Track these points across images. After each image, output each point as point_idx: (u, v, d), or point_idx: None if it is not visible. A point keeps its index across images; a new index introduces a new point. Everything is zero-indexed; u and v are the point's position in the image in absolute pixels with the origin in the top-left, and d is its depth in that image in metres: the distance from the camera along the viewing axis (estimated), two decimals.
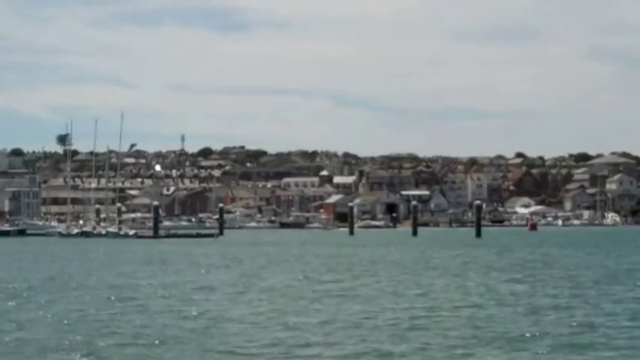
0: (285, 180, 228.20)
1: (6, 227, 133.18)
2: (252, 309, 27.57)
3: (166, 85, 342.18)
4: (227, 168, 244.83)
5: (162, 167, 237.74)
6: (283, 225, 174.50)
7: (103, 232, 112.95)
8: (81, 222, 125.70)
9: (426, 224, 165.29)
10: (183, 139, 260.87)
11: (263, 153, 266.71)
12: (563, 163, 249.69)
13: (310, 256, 63.74)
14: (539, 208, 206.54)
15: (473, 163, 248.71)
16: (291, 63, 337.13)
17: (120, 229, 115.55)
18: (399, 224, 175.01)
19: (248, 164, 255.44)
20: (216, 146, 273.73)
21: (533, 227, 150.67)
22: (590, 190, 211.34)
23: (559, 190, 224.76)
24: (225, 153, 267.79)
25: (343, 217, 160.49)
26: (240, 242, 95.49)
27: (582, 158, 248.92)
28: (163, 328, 23.44)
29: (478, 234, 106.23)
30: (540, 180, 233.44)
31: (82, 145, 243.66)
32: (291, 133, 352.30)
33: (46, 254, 70.04)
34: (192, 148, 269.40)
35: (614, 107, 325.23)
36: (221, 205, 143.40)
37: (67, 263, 56.32)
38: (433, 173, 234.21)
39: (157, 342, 21.00)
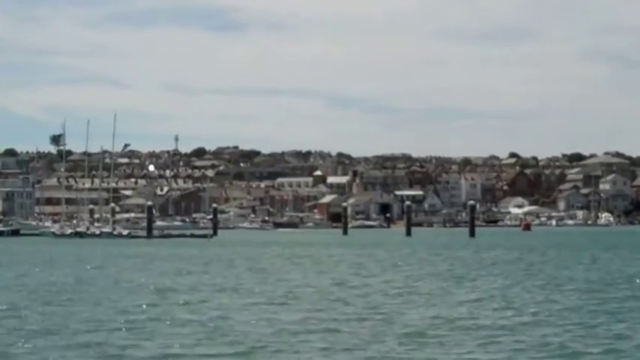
0: (279, 180, 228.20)
1: None
2: None
3: (160, 86, 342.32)
4: (221, 168, 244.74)
5: (155, 167, 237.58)
6: (277, 225, 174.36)
7: (97, 232, 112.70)
8: (74, 222, 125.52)
9: (419, 224, 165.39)
10: (176, 139, 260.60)
11: (257, 153, 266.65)
12: (557, 164, 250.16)
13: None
14: (532, 208, 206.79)
15: (467, 164, 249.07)
16: (285, 63, 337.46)
17: (114, 229, 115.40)
18: (392, 224, 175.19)
19: (242, 164, 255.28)
20: (210, 146, 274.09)
21: (527, 227, 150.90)
22: (584, 191, 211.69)
23: (553, 190, 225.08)
24: (218, 153, 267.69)
25: (337, 217, 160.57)
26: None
27: (576, 158, 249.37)
28: None
29: (472, 234, 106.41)
30: (534, 180, 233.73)
31: (75, 145, 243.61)
32: (285, 133, 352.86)
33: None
34: (185, 148, 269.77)
35: (608, 107, 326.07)
36: (215, 205, 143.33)
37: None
38: (427, 173, 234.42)
39: None
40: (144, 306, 28.68)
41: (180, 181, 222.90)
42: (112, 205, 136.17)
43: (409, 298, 31.88)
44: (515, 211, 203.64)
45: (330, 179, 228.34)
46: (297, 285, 37.54)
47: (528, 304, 29.16)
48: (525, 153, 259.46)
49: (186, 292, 33.96)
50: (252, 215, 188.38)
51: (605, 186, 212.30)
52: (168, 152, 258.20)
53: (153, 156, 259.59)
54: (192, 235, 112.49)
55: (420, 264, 54.41)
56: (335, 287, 36.43)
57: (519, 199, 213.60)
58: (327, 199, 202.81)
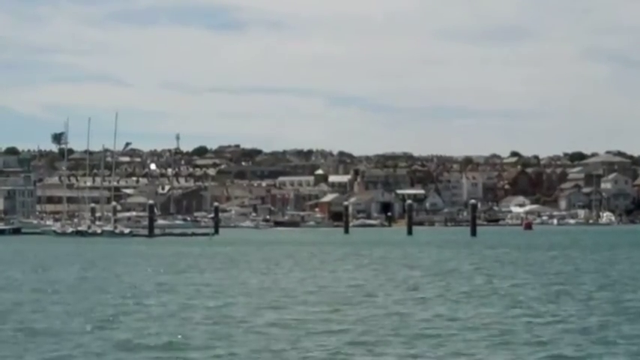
0: (281, 179, 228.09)
1: (1, 226, 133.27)
2: None
3: (161, 84, 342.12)
4: (222, 167, 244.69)
5: (157, 166, 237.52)
6: (278, 224, 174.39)
7: (98, 230, 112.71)
8: (76, 221, 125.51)
9: (421, 223, 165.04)
10: (178, 137, 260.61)
11: (258, 152, 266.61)
12: (558, 162, 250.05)
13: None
14: (534, 207, 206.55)
15: (468, 162, 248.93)
16: (286, 62, 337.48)
17: (115, 227, 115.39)
18: (394, 223, 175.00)
19: (243, 163, 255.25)
20: (212, 145, 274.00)
21: (528, 226, 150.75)
22: (585, 190, 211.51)
23: (554, 189, 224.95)
24: (220, 152, 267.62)
25: (338, 216, 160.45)
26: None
27: (577, 157, 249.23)
28: None
29: (473, 233, 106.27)
30: (535, 179, 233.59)
31: (77, 143, 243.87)
32: (287, 132, 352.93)
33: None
34: (187, 146, 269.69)
35: (609, 107, 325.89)
36: (216, 204, 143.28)
37: None
38: (428, 172, 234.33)
39: None
40: (148, 305, 28.64)
41: (182, 180, 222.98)
42: (114, 203, 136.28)
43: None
44: (516, 210, 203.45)
45: (332, 178, 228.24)
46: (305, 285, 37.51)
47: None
48: (527, 152, 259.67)
49: (190, 292, 33.92)
50: (254, 214, 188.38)
51: (606, 185, 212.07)
52: (169, 151, 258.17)
53: (154, 154, 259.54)
54: (194, 234, 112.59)
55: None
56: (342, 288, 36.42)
57: (521, 198, 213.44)
58: (329, 197, 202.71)
